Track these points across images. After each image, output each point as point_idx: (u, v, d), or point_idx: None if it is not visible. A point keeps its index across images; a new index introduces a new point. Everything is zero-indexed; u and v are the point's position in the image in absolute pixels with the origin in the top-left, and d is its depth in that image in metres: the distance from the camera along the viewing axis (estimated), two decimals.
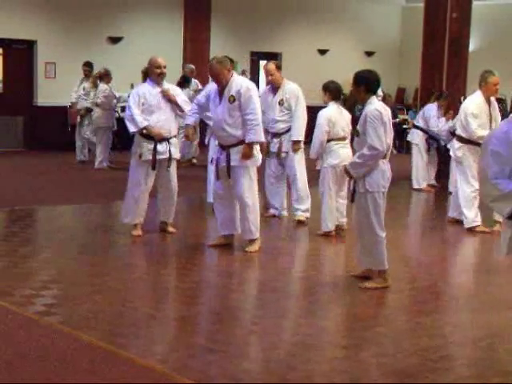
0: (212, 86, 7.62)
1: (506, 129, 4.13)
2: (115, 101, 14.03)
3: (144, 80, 9.18)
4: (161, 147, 7.89)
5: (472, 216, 8.86)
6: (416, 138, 12.58)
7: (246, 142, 7.29)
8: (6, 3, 15.45)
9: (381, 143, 6.18)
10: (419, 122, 12.58)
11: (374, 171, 6.26)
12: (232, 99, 7.27)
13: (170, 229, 8.15)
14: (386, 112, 6.30)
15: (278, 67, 9.13)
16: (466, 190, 8.91)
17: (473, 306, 4.92)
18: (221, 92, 7.38)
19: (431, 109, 12.33)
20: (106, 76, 13.88)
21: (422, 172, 12.43)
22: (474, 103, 8.92)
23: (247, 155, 7.31)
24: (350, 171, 6.39)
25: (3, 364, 4.42)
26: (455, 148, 9.09)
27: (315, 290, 6.35)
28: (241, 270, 6.97)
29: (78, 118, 14.39)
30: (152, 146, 7.86)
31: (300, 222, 8.96)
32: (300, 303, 6.12)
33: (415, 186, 12.39)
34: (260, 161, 7.53)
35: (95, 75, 14.13)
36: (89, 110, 14.10)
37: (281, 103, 8.96)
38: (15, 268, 6.64)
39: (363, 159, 6.26)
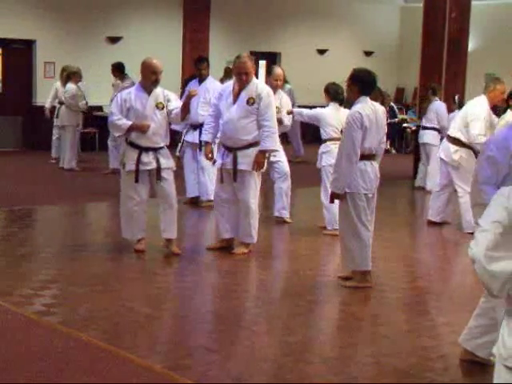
0: (224, 87, 7.51)
1: (506, 135, 4.10)
2: (84, 101, 13.46)
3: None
4: (145, 157, 7.10)
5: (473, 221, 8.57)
6: (432, 138, 11.72)
7: (261, 149, 7.13)
8: (5, 3, 15.44)
9: (353, 147, 6.01)
10: (432, 123, 11.76)
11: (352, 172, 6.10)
12: (252, 101, 7.09)
13: (175, 249, 7.30)
14: (373, 114, 6.08)
15: None
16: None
17: (472, 306, 4.94)
18: (237, 92, 7.18)
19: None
20: (74, 75, 13.31)
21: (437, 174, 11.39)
22: (484, 109, 8.50)
23: (260, 163, 7.15)
24: (336, 191, 6.15)
25: (3, 364, 4.43)
26: (451, 152, 8.64)
27: (314, 289, 6.36)
28: (240, 270, 6.97)
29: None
30: (136, 156, 7.10)
31: (284, 222, 8.89)
32: (299, 303, 6.12)
33: (429, 187, 11.26)
34: (265, 166, 7.46)
35: (65, 74, 13.48)
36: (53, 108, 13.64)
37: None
38: (15, 268, 6.65)
39: (338, 171, 6.09)
